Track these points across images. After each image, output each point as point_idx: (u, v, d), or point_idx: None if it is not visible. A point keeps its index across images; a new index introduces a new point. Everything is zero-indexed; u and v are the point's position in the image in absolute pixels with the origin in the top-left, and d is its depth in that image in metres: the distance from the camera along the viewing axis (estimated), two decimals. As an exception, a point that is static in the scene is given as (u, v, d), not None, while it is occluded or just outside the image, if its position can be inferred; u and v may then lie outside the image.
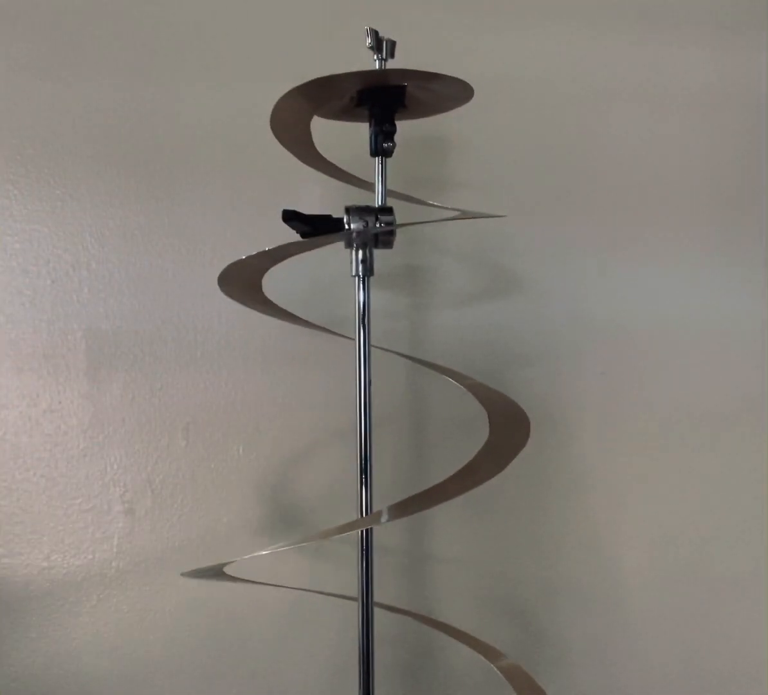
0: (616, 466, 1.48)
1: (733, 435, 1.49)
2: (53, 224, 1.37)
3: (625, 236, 1.47)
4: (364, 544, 1.12)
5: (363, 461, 1.11)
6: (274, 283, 1.13)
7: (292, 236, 1.06)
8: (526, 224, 1.43)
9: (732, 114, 1.48)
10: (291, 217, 1.03)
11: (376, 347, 1.12)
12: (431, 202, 1.19)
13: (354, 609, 1.14)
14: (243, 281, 1.11)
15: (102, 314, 1.38)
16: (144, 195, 1.38)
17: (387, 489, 1.39)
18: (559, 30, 1.44)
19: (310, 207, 1.06)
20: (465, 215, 1.16)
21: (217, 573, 1.14)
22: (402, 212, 1.09)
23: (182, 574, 1.17)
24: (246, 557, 1.12)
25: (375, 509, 1.12)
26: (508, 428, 1.13)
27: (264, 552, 1.17)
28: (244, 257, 1.01)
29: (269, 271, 1.11)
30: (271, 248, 1.00)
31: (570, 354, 1.46)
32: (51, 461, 1.37)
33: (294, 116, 1.06)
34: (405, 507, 1.15)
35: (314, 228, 1.05)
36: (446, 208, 1.19)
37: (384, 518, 1.11)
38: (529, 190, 1.45)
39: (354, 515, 1.12)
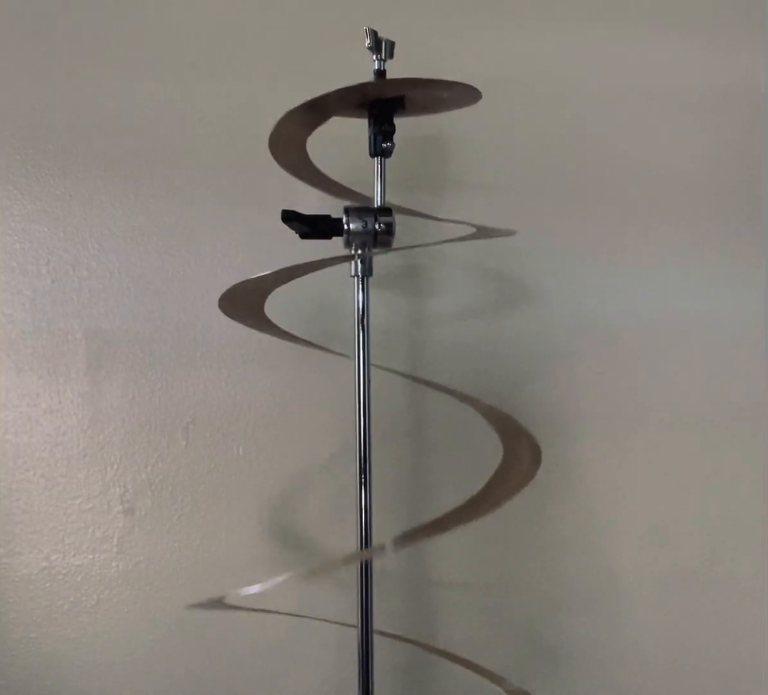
0: (616, 468, 1.47)
1: (734, 435, 1.49)
2: (53, 223, 1.37)
3: (625, 236, 1.47)
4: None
5: (362, 462, 1.11)
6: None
7: (292, 236, 1.06)
8: (526, 224, 1.42)
9: (732, 114, 1.48)
10: (290, 217, 1.03)
11: (376, 365, 1.12)
12: (438, 216, 1.19)
13: (351, 633, 1.13)
14: (245, 303, 1.11)
15: (102, 314, 1.37)
16: (144, 195, 1.38)
17: (387, 489, 1.39)
18: (561, 30, 1.44)
19: (309, 207, 1.06)
20: (451, 223, 1.16)
21: (218, 604, 1.09)
22: (402, 212, 1.09)
23: (188, 607, 1.15)
24: (251, 590, 1.05)
25: (375, 509, 1.11)
26: (517, 456, 1.12)
27: (267, 585, 1.10)
28: (244, 280, 1.01)
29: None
30: (275, 270, 1.00)
31: (568, 354, 1.46)
32: (51, 461, 1.37)
33: (292, 136, 1.06)
34: (411, 536, 1.15)
35: (313, 228, 1.05)
36: (451, 220, 1.18)
37: (388, 550, 1.12)
38: (528, 190, 1.44)
39: (354, 516, 1.12)
